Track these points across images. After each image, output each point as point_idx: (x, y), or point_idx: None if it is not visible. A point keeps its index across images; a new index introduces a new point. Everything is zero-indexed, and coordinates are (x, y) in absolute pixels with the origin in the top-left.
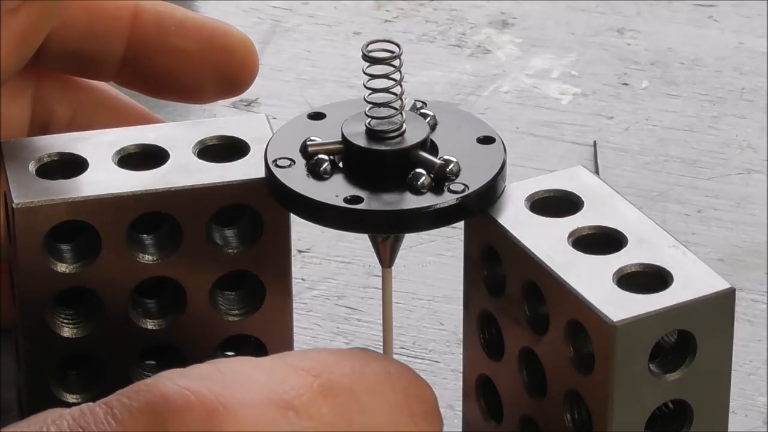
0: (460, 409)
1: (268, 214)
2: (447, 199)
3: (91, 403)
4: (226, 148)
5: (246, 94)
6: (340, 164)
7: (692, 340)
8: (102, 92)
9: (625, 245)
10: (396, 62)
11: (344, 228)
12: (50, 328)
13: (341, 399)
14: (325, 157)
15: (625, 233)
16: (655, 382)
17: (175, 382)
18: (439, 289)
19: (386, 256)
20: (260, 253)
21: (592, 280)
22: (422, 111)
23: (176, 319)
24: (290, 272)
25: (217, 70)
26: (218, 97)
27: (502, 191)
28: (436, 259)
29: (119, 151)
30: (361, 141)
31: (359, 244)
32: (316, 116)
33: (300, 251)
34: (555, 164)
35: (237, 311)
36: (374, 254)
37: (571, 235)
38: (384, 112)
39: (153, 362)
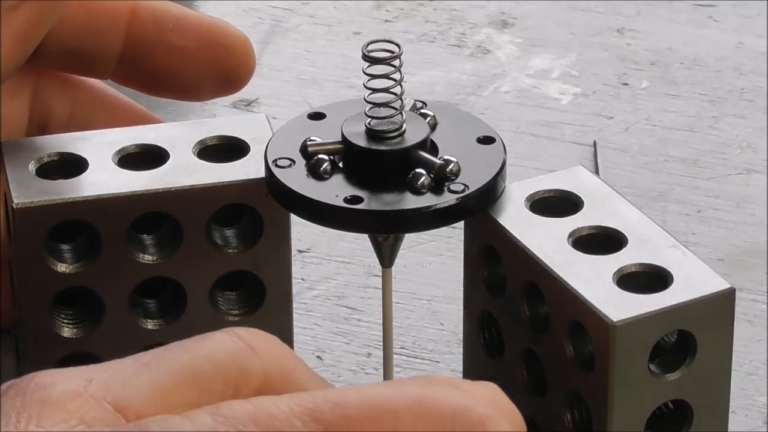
0: None
1: (268, 214)
2: (447, 199)
3: None
4: (226, 148)
5: (246, 94)
6: (340, 164)
7: (692, 340)
8: (100, 91)
9: (625, 245)
10: (396, 62)
11: (344, 228)
12: (50, 328)
13: None
14: (325, 157)
15: (625, 233)
16: (655, 382)
17: None
18: (439, 289)
19: (386, 256)
20: (260, 253)
21: (592, 280)
22: (422, 111)
23: (176, 319)
24: (290, 272)
25: (214, 67)
26: (215, 95)
27: (502, 191)
28: (436, 259)
29: (119, 151)
30: (361, 141)
31: (359, 244)
32: (316, 116)
33: (300, 251)
34: (555, 164)
35: (237, 311)
36: (374, 254)
37: (571, 235)
38: (384, 112)
39: None
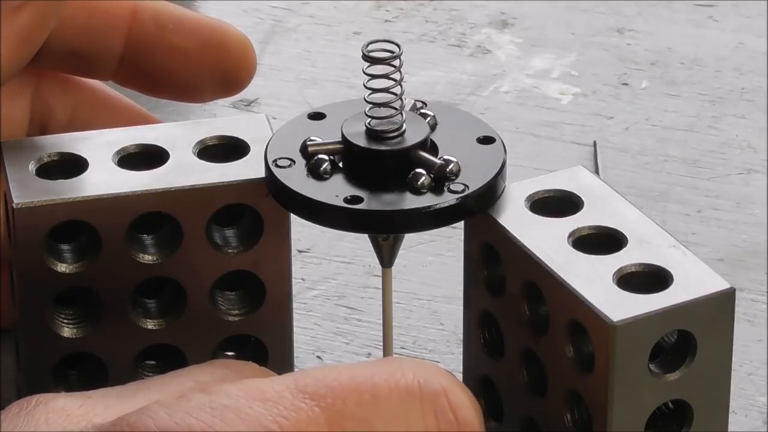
0: None
1: (268, 214)
2: (447, 199)
3: None
4: (226, 148)
5: (246, 94)
6: (340, 164)
7: (692, 340)
8: (101, 92)
9: (625, 245)
10: (396, 62)
11: (344, 228)
12: (50, 328)
13: None
14: (325, 157)
15: (625, 233)
16: (655, 382)
17: (156, 423)
18: (439, 289)
19: (386, 256)
20: (260, 253)
21: (592, 280)
22: (422, 111)
23: (176, 319)
24: (290, 272)
25: (214, 68)
26: (216, 96)
27: (502, 191)
28: (436, 259)
29: (119, 151)
30: (361, 141)
31: (359, 244)
32: (316, 116)
33: (300, 251)
34: (555, 164)
35: (237, 311)
36: (374, 254)
37: (571, 235)
38: (384, 112)
39: (153, 362)
